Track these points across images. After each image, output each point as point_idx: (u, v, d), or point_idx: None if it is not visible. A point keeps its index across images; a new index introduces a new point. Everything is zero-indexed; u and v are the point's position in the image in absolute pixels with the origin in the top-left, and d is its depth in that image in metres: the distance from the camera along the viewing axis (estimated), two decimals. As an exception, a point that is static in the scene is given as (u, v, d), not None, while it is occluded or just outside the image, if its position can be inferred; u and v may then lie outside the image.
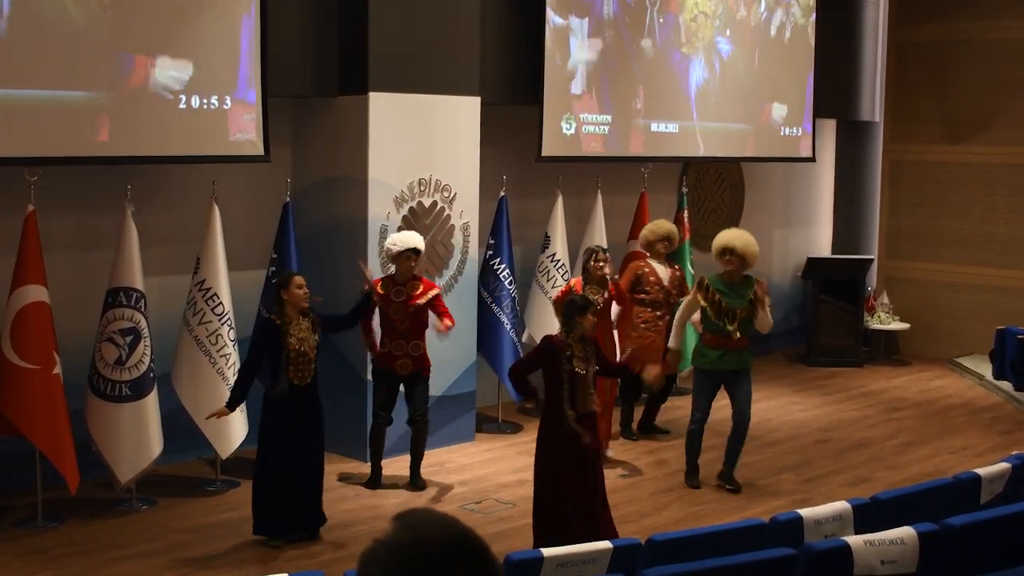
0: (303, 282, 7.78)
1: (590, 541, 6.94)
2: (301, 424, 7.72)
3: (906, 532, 5.10)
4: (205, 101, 8.62)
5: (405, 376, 8.80)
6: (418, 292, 8.74)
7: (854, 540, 5.02)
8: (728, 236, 8.95)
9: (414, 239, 8.76)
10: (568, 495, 7.32)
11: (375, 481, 9.02)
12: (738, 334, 8.74)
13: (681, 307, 9.20)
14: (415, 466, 9.05)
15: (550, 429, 7.38)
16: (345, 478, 9.17)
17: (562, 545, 7.08)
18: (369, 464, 9.10)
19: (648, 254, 10.31)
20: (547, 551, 5.07)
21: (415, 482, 9.03)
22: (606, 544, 5.29)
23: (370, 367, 9.35)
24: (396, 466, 9.33)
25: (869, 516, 5.85)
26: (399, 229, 9.52)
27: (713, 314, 8.74)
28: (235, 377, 8.06)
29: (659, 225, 10.36)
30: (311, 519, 7.90)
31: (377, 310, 8.72)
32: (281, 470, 7.65)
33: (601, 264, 9.40)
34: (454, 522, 1.96)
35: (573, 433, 7.27)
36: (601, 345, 7.97)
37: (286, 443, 7.65)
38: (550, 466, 7.38)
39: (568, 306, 7.51)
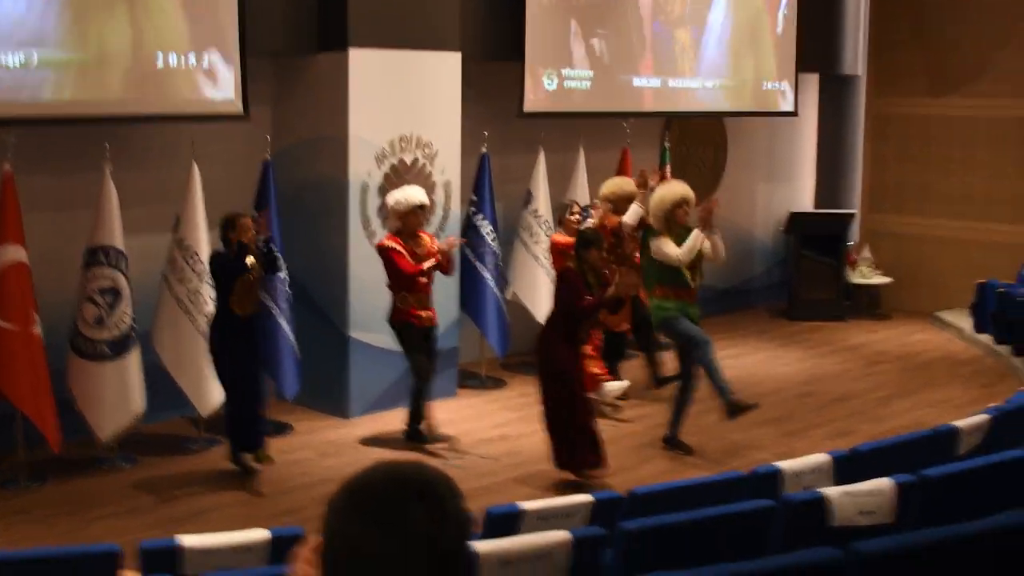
0: (250, 223, 8.09)
1: (601, 467, 8.03)
2: (242, 350, 8.07)
3: (884, 483, 5.12)
4: (183, 59, 8.56)
5: (426, 329, 8.85)
6: (430, 243, 8.84)
7: (832, 491, 5.04)
8: (681, 188, 8.76)
9: (419, 195, 8.79)
10: (581, 424, 8.07)
11: (419, 434, 9.07)
12: (694, 284, 8.74)
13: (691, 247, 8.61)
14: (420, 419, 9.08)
15: (560, 352, 8.06)
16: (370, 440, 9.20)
17: (582, 469, 8.00)
18: (408, 417, 9.10)
19: (610, 208, 10.21)
20: (526, 504, 5.09)
21: (420, 436, 9.05)
22: (587, 497, 5.32)
23: (351, 323, 9.39)
24: (384, 421, 9.36)
25: (849, 468, 5.88)
26: (380, 187, 9.49)
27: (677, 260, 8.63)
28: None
29: (621, 186, 10.11)
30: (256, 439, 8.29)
31: (392, 268, 8.68)
32: (244, 385, 8.11)
33: (576, 217, 9.90)
34: (411, 466, 1.97)
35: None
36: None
37: (238, 365, 8.07)
38: (569, 398, 8.05)
39: (576, 241, 8.46)
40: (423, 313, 8.79)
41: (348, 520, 1.92)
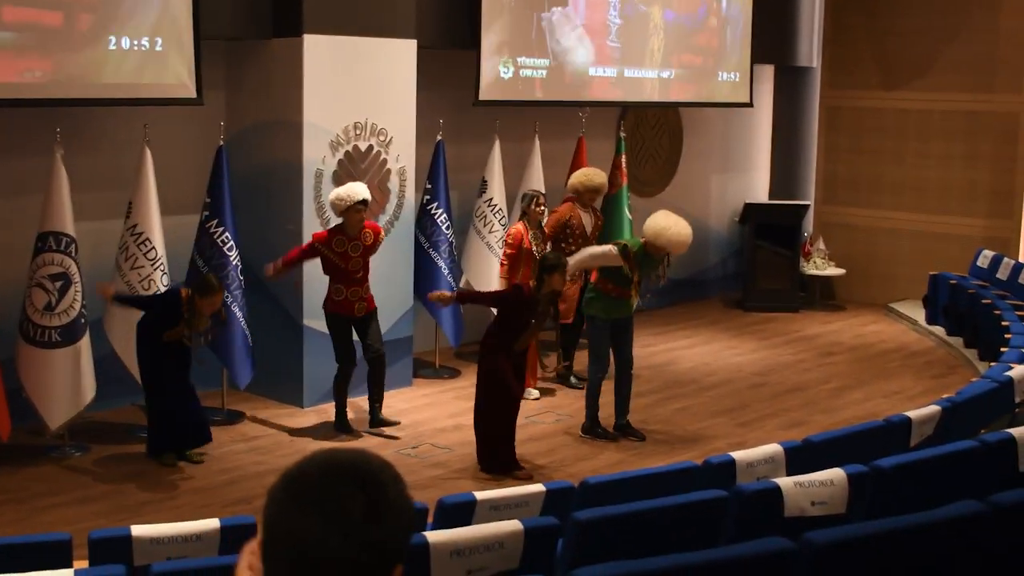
0: (220, 301, 8.11)
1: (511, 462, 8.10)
2: (170, 362, 8.01)
3: (836, 474, 5.14)
4: (136, 43, 8.46)
5: (360, 318, 8.83)
6: (370, 241, 8.81)
7: (784, 482, 5.06)
8: (683, 239, 8.58)
9: (361, 191, 8.73)
10: (509, 422, 8.15)
11: (348, 425, 9.04)
12: (635, 292, 8.83)
13: (592, 255, 8.89)
14: (379, 404, 9.06)
15: (500, 361, 8.04)
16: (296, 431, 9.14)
17: (503, 462, 8.04)
18: (334, 409, 9.09)
19: (575, 199, 10.27)
20: (480, 494, 5.08)
21: (382, 421, 9.05)
22: (539, 487, 5.31)
23: (305, 312, 9.33)
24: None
25: (801, 459, 5.90)
26: (334, 174, 9.44)
27: (627, 273, 8.68)
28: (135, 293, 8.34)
29: (590, 178, 10.24)
30: (200, 434, 8.27)
31: (325, 259, 8.72)
32: (168, 395, 8.04)
33: (542, 209, 9.83)
34: (351, 454, 1.95)
35: (518, 364, 8.21)
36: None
37: (164, 374, 8.00)
38: (498, 403, 8.08)
39: (539, 264, 8.27)
40: (356, 304, 8.79)
41: (286, 508, 1.90)
